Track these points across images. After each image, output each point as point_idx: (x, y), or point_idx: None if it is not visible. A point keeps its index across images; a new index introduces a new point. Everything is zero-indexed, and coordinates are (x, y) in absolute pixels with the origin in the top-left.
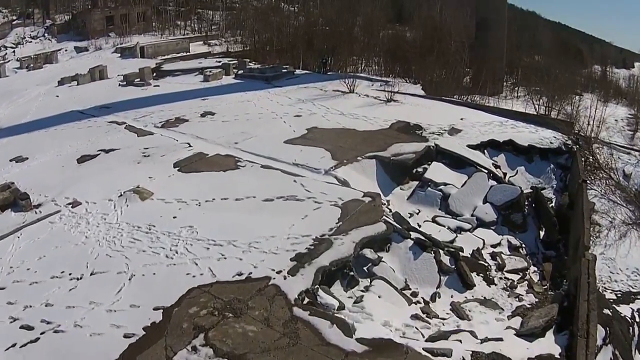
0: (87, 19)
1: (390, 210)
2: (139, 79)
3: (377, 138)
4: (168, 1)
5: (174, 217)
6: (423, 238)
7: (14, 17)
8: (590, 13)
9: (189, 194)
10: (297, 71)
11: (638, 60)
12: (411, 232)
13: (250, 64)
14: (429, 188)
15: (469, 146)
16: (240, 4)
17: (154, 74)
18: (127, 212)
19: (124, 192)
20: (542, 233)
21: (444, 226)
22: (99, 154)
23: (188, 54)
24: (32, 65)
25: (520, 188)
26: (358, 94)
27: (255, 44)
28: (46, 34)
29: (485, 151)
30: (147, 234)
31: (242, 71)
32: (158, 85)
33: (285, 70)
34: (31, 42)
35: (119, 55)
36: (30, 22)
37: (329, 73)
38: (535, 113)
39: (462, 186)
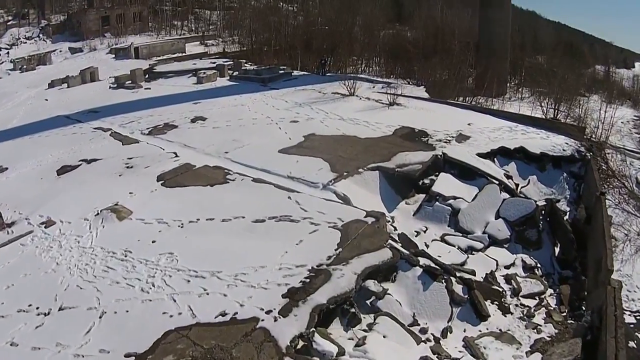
0: (82, 19)
1: (396, 229)
2: (130, 82)
3: (379, 146)
4: (165, 1)
5: (153, 242)
6: (433, 265)
7: (10, 18)
8: (589, 12)
9: (171, 213)
10: (295, 72)
11: (638, 60)
12: (419, 258)
13: (246, 64)
14: (437, 202)
15: (479, 155)
16: (238, 4)
17: (146, 76)
18: (102, 234)
19: (100, 211)
20: (557, 250)
21: (454, 246)
22: (80, 165)
23: (184, 54)
24: (25, 66)
25: (535, 202)
26: (359, 97)
27: (253, 44)
28: (41, 35)
29: (495, 159)
30: (122, 262)
31: (237, 72)
32: (149, 88)
33: (282, 72)
34: (26, 42)
35: (114, 56)
36: (25, 23)
37: (328, 74)
38: (544, 117)
39: (472, 200)
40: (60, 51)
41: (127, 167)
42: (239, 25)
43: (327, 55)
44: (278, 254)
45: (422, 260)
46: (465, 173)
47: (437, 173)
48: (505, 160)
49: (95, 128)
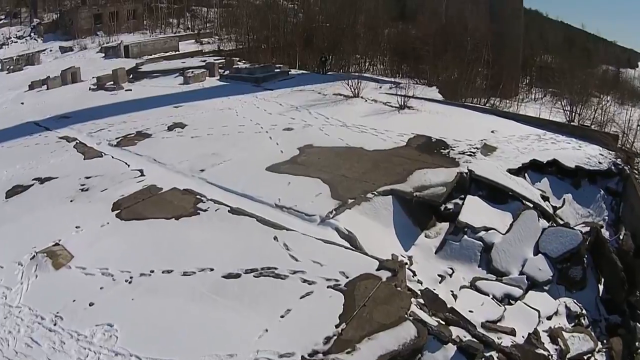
0: (74, 18)
1: (415, 274)
2: (112, 82)
3: (392, 161)
4: None
5: (91, 304)
6: (470, 338)
7: (2, 17)
8: (590, 12)
9: (120, 259)
10: (292, 71)
11: None
12: (451, 326)
13: (239, 63)
14: (465, 236)
15: (510, 171)
16: (236, 1)
17: (131, 76)
18: (34, 287)
19: (37, 253)
20: (600, 287)
21: (488, 294)
22: (32, 185)
23: (177, 53)
24: (12, 67)
25: (581, 232)
26: (364, 99)
27: (250, 42)
28: (32, 34)
29: (527, 175)
30: (50, 333)
31: (228, 72)
32: (130, 90)
33: (278, 70)
34: (17, 42)
35: (104, 55)
36: (17, 22)
37: (329, 73)
38: (569, 121)
39: (507, 231)
40: (51, 50)
41: (82, 190)
42: (236, 23)
43: (329, 52)
44: (254, 333)
45: (455, 331)
46: (496, 194)
47: (462, 196)
48: (537, 176)
49: (60, 137)
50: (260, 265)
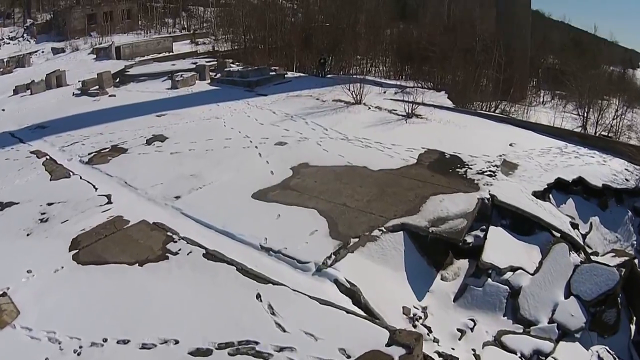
0: (67, 18)
1: (430, 332)
2: (97, 87)
3: (401, 184)
4: None
5: None
6: None
7: None
8: (591, 12)
9: (71, 320)
10: (289, 74)
11: None
12: None
13: (232, 65)
14: (489, 279)
15: (535, 194)
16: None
17: (117, 80)
18: None
19: None
20: (632, 327)
21: (515, 352)
22: None
23: (171, 54)
24: (1, 69)
25: (617, 269)
26: (367, 106)
27: (246, 42)
28: (25, 35)
29: (551, 195)
30: None
31: (219, 75)
32: (114, 95)
33: (273, 74)
34: (9, 43)
35: (95, 57)
36: (10, 22)
37: (328, 76)
38: (592, 133)
39: (535, 271)
40: (43, 52)
41: (41, 221)
42: (233, 23)
43: (328, 53)
44: None
45: None
46: (522, 224)
47: (483, 226)
48: (562, 197)
49: (32, 152)
50: (238, 338)
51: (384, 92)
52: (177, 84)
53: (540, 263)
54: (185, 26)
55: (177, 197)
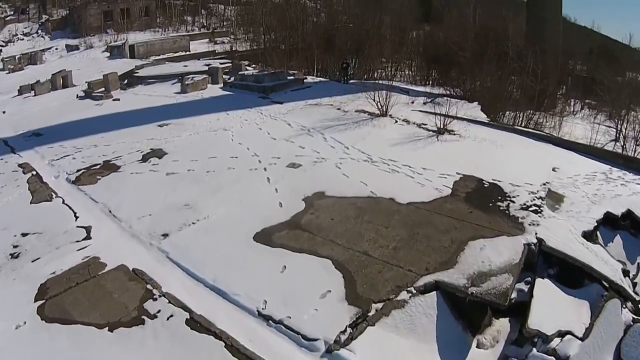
0: (83, 15)
1: None
2: (102, 89)
3: (434, 224)
4: None
5: None
6: None
7: (11, 13)
8: (619, 18)
9: None
10: (309, 78)
11: None
12: None
13: (248, 67)
14: (534, 350)
15: (584, 234)
16: None
17: (125, 81)
18: None
19: None
20: None
21: None
22: None
23: (187, 53)
24: (11, 67)
25: None
26: (393, 118)
27: (266, 43)
28: (40, 31)
29: (599, 233)
30: None
31: (233, 78)
32: (118, 99)
33: (291, 78)
34: (23, 39)
35: (109, 55)
36: (25, 18)
37: (351, 82)
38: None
39: (584, 334)
40: (57, 49)
41: (12, 256)
42: (254, 22)
43: (352, 56)
44: None
45: None
46: (570, 273)
47: (528, 277)
48: (610, 234)
49: (20, 165)
50: None
51: (412, 102)
52: (187, 88)
53: (591, 325)
54: (205, 24)
55: (165, 235)
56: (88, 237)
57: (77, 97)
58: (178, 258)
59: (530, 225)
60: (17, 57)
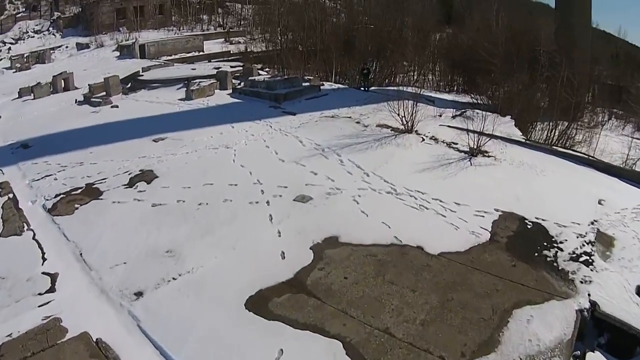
0: (95, 12)
1: None
2: (103, 93)
3: (472, 285)
4: None
5: None
6: None
7: (22, 9)
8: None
9: None
10: (326, 85)
11: None
12: None
13: (261, 71)
14: None
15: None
16: None
17: (129, 85)
18: None
19: None
20: None
21: None
22: None
23: (200, 53)
24: (19, 65)
25: None
26: (420, 136)
27: (282, 44)
28: (51, 28)
29: None
30: None
31: (243, 84)
32: (117, 106)
33: (306, 85)
34: (34, 37)
35: (118, 54)
36: (36, 15)
37: (372, 89)
38: None
39: None
40: (67, 47)
41: None
42: (270, 21)
43: (372, 59)
44: None
45: None
46: (622, 342)
47: (577, 352)
48: None
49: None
50: None
51: (440, 116)
52: (192, 94)
53: None
54: (221, 24)
55: (139, 295)
56: (52, 290)
57: (75, 101)
58: (151, 329)
59: (582, 282)
60: (25, 56)
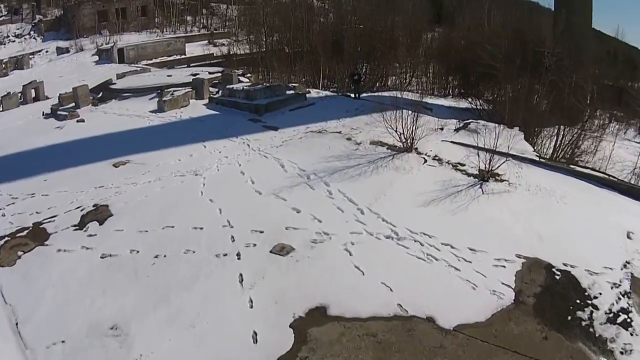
0: (76, 15)
1: None
2: (73, 104)
3: None
4: None
5: None
6: None
7: (4, 13)
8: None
9: None
10: (313, 92)
11: None
12: None
13: (242, 78)
14: None
15: None
16: None
17: (100, 94)
18: None
19: None
20: None
21: None
22: None
23: (182, 57)
24: None
25: None
26: (421, 156)
27: (267, 45)
28: (32, 32)
29: None
30: None
31: (220, 93)
32: (83, 121)
33: (291, 93)
34: (14, 41)
35: (98, 59)
36: (18, 19)
37: (363, 95)
38: None
39: None
40: (47, 52)
41: None
42: (256, 22)
43: (362, 61)
44: None
45: None
46: None
47: None
48: None
49: None
50: None
51: (441, 129)
52: (164, 105)
53: None
54: (206, 25)
55: None
56: None
57: (43, 114)
58: None
59: (622, 353)
60: (4, 62)
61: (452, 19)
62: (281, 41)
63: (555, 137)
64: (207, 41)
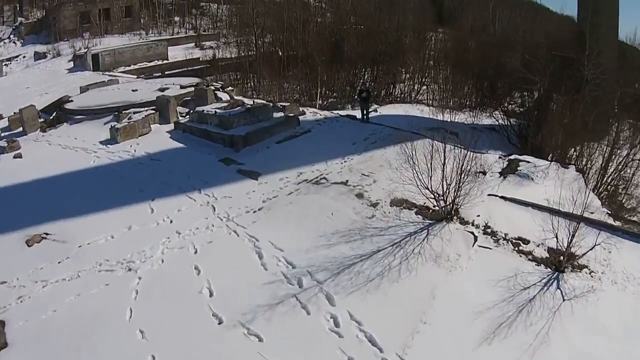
0: (57, 16)
1: None
2: (20, 129)
3: None
4: None
5: None
6: None
7: None
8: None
9: None
10: (308, 113)
11: None
12: None
13: (220, 92)
14: None
15: None
16: None
17: (53, 114)
18: None
19: None
20: None
21: None
22: None
23: (164, 62)
24: None
25: None
26: (466, 227)
27: (258, 49)
28: (12, 36)
29: None
30: None
31: (188, 117)
32: (20, 156)
33: (279, 117)
34: None
35: (72, 66)
36: None
37: (372, 113)
38: None
39: None
40: (24, 57)
41: None
42: (247, 23)
43: (364, 67)
44: None
45: None
46: None
47: None
48: None
49: None
50: None
51: (484, 174)
52: (117, 134)
53: None
54: (194, 26)
55: None
56: None
57: None
58: None
59: None
60: None
61: (454, 20)
62: (273, 44)
63: (583, 159)
64: (194, 43)
